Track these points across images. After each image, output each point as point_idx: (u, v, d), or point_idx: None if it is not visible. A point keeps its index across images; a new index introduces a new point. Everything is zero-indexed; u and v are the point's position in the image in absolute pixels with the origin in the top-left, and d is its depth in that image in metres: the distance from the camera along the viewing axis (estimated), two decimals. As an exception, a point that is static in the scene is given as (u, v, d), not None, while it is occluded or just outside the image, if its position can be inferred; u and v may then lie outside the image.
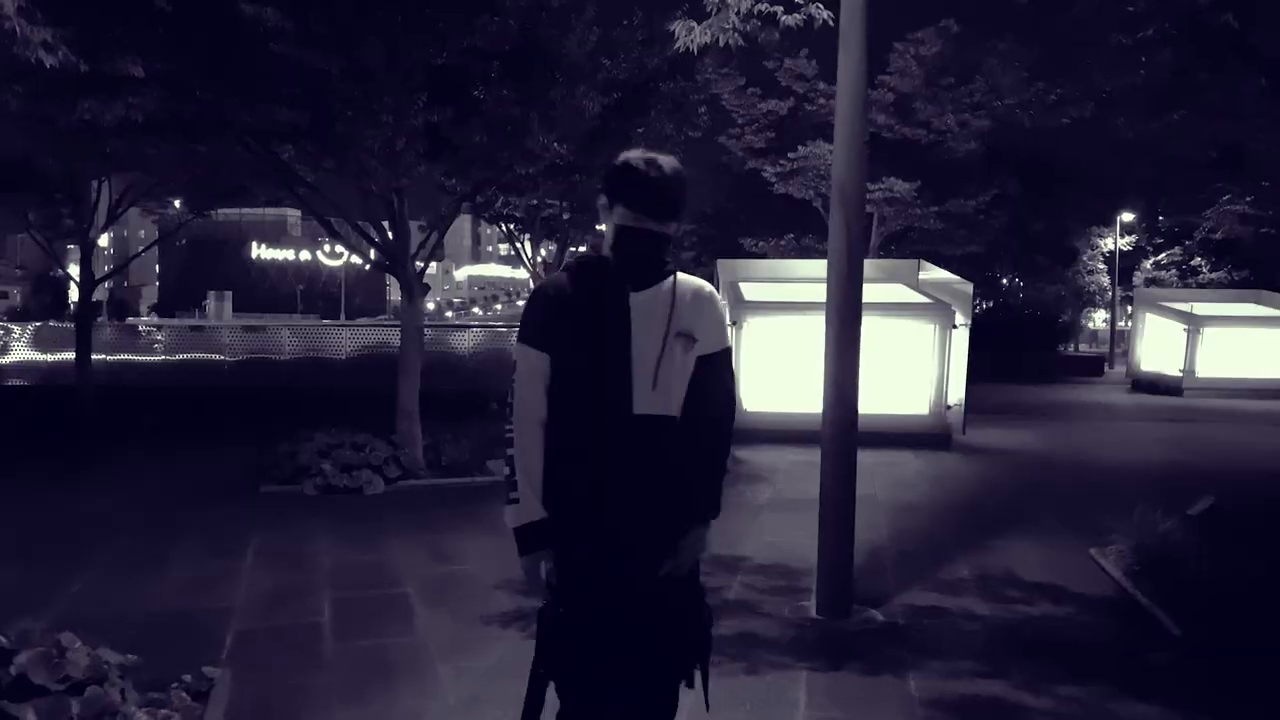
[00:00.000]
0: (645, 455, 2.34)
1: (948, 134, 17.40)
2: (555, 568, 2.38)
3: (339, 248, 66.18)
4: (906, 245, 20.21)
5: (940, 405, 11.60)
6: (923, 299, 12.08)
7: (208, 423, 12.89)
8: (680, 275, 2.45)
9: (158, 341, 22.84)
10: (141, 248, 17.23)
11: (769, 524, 7.11)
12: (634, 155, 2.39)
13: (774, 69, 17.18)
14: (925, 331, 11.71)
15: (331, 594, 5.28)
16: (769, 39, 4.93)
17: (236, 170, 10.51)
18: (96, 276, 13.40)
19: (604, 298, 2.35)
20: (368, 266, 13.39)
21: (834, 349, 4.99)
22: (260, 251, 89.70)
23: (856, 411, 5.09)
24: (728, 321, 2.63)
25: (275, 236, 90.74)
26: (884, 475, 9.27)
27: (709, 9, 4.76)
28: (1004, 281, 33.26)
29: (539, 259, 15.99)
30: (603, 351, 2.33)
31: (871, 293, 12.21)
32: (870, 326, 11.89)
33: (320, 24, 6.86)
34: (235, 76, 7.00)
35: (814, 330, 11.78)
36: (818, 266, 14.33)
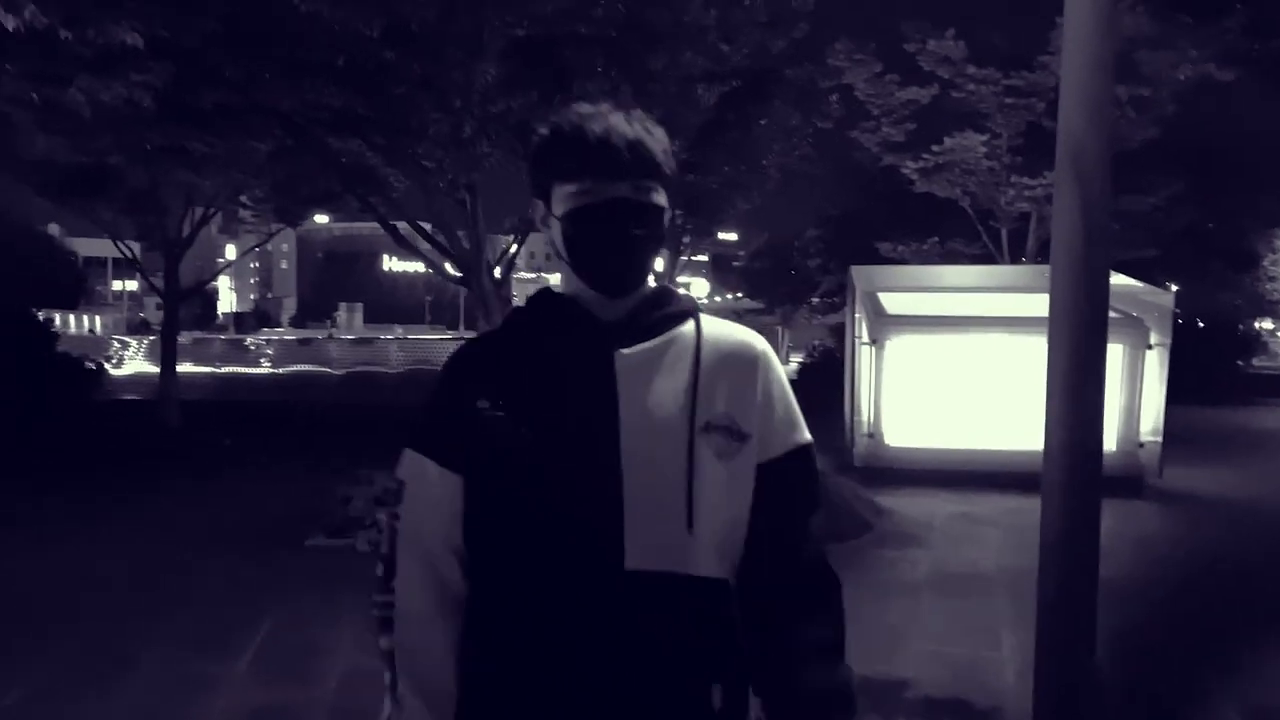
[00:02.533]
0: (652, 648, 1.32)
1: (1122, 119, 15.10)
2: None
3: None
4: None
5: (1131, 442, 9.54)
6: (1110, 314, 10.04)
7: (289, 445, 11.86)
8: (708, 320, 1.46)
9: (266, 354, 22.50)
10: (219, 260, 16.67)
11: (931, 616, 5.36)
12: (555, 115, 1.47)
13: (915, 52, 15.27)
14: (1112, 353, 9.67)
15: (325, 728, 3.85)
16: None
17: (308, 174, 9.44)
18: (234, 291, 12.69)
19: (565, 362, 1.38)
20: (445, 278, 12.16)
21: (1067, 377, 3.30)
22: (391, 264, 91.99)
23: (1098, 466, 3.38)
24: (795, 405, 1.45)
25: (408, 248, 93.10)
26: (1067, 535, 7.35)
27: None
28: (1174, 288, 30.23)
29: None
30: (565, 463, 1.33)
31: (1038, 305, 10.44)
32: (1043, 347, 10.12)
33: (350, -28, 5.52)
34: (259, 45, 5.72)
35: (972, 350, 10.06)
36: (969, 274, 12.49)
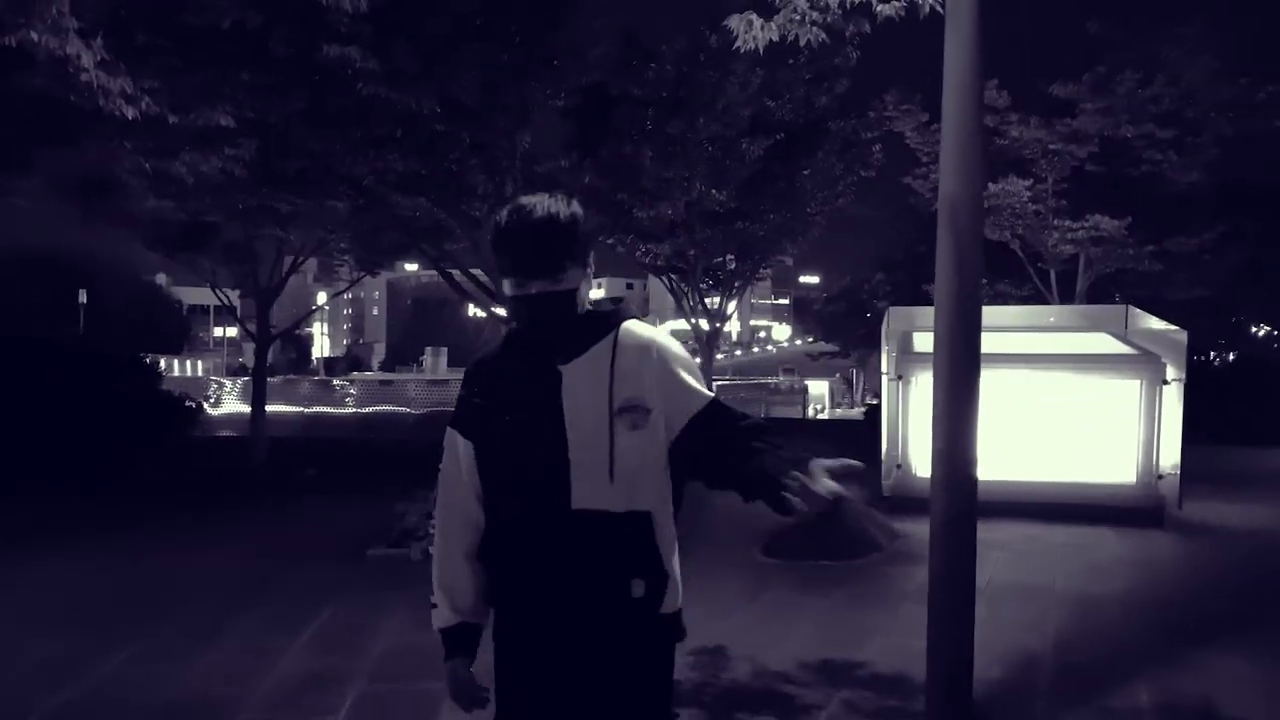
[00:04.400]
0: (592, 557, 2.00)
1: (1164, 164, 15.38)
2: (495, 680, 2.13)
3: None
4: (1123, 290, 18.07)
5: (1150, 474, 9.87)
6: (1126, 350, 10.42)
7: (363, 474, 12.89)
8: (625, 330, 2.06)
9: (350, 395, 23.86)
10: (312, 307, 17.86)
11: (908, 619, 5.93)
12: (502, 211, 2.05)
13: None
14: (1130, 388, 10.06)
15: (361, 686, 4.66)
16: (859, 31, 4.01)
17: (380, 228, 10.49)
18: (327, 337, 13.85)
19: (529, 374, 2.04)
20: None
21: (946, 407, 3.93)
22: (475, 310, 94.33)
23: (972, 474, 4.00)
24: (693, 375, 2.11)
25: (491, 294, 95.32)
26: (1072, 560, 7.81)
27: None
28: (1255, 330, 29.64)
29: (695, 307, 15.30)
30: (530, 438, 2.01)
31: (1067, 343, 10.82)
32: (1064, 382, 10.51)
33: (406, 60, 6.49)
34: (332, 122, 6.74)
35: (995, 385, 10.55)
36: (1002, 313, 12.95)
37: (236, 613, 5.95)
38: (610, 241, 12.47)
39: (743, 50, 3.98)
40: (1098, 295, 16.91)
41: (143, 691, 4.57)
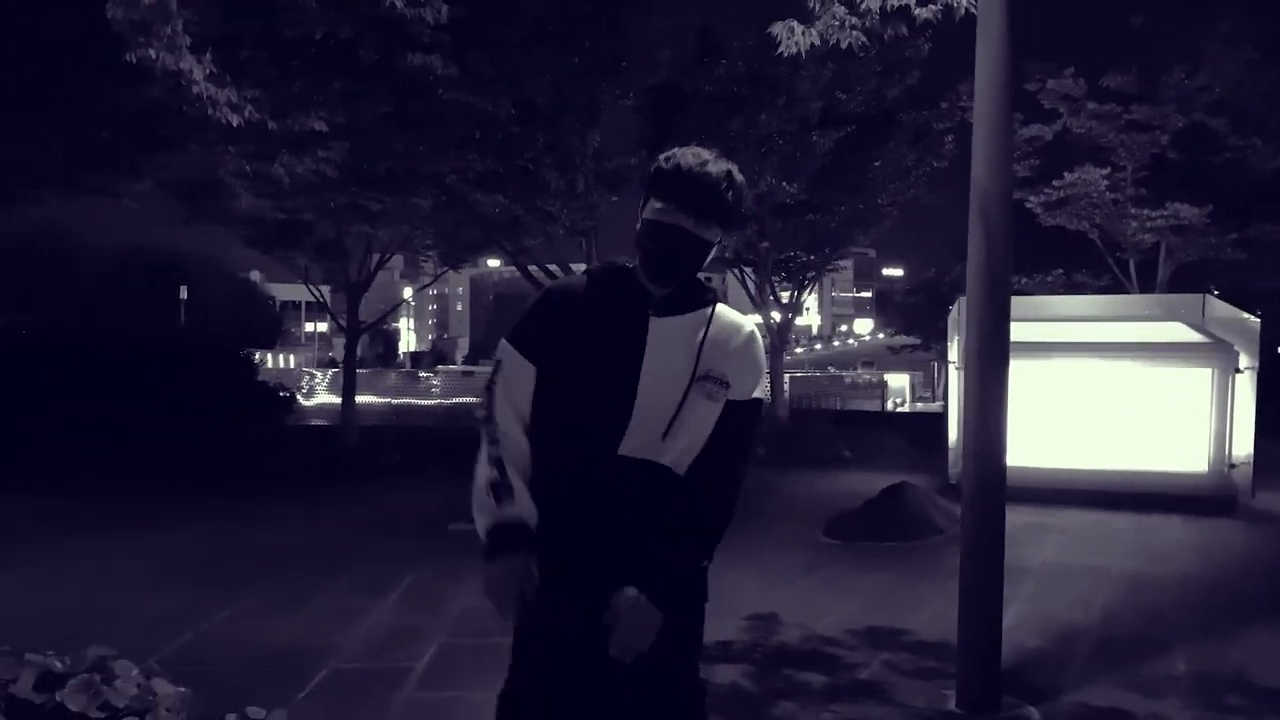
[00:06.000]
0: (629, 506, 1.99)
1: (1248, 150, 15.05)
2: (515, 630, 2.09)
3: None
4: (1208, 280, 17.70)
5: (1222, 463, 9.83)
6: (1198, 339, 10.35)
7: (446, 458, 13.46)
8: (722, 308, 2.10)
9: (435, 386, 24.68)
10: (402, 300, 18.46)
11: (955, 594, 6.17)
12: (680, 149, 2.06)
13: (1035, 91, 15.73)
14: (1201, 376, 10.02)
15: (442, 639, 5.12)
16: (897, 34, 4.28)
17: (461, 224, 11.01)
18: (413, 331, 14.54)
19: (618, 315, 2.01)
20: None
21: (975, 392, 4.18)
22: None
23: (1000, 456, 4.24)
24: (761, 373, 2.18)
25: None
26: (1133, 543, 7.90)
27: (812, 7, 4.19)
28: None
29: (767, 299, 15.51)
30: (601, 380, 1.98)
31: (1139, 332, 10.83)
32: (1134, 370, 10.51)
33: (483, 66, 6.95)
34: (415, 125, 7.24)
35: (1059, 374, 10.60)
36: (1071, 303, 12.91)
37: (327, 578, 6.48)
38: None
39: (785, 55, 4.29)
40: (1181, 285, 16.62)
41: (244, 641, 5.09)
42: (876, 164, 14.18)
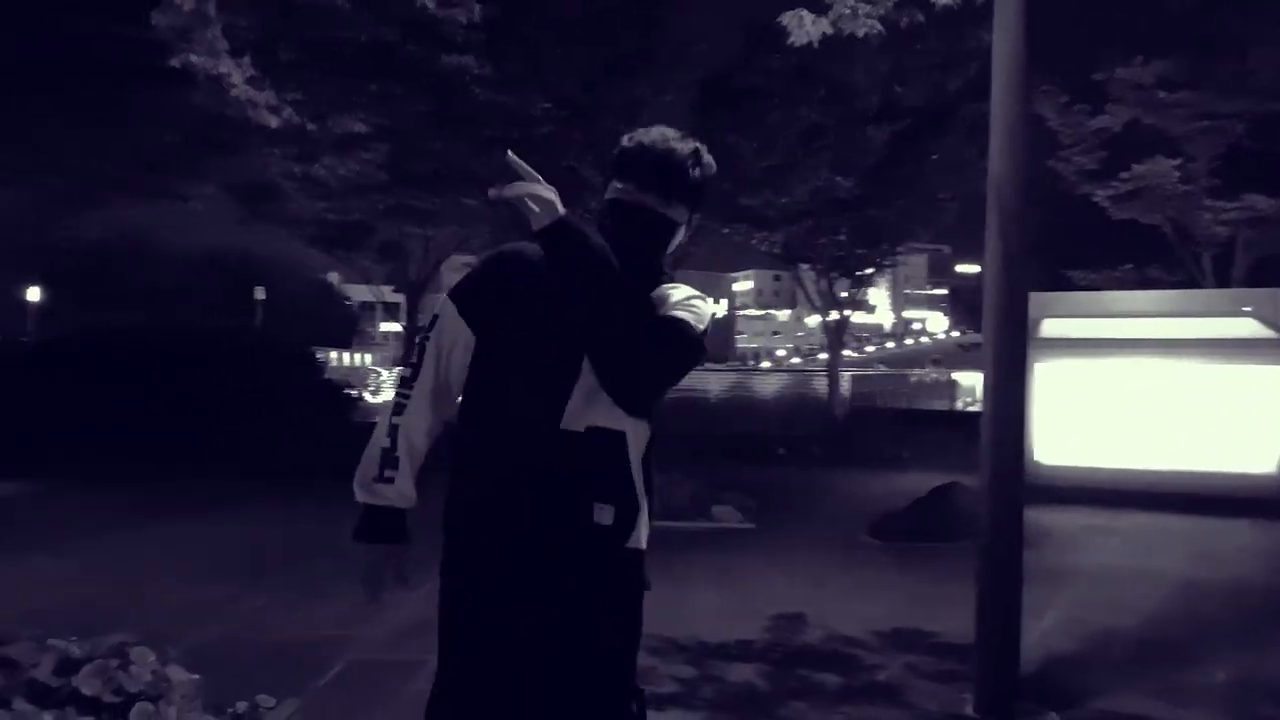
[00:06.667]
0: (570, 482, 1.87)
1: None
2: (441, 614, 1.99)
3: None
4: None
5: (1293, 463, 9.43)
6: (1269, 334, 9.94)
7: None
8: (673, 285, 1.96)
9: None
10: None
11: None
12: (644, 129, 2.02)
13: (1102, 80, 15.24)
14: (1272, 374, 9.63)
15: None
16: (913, 22, 4.18)
17: (513, 224, 11.12)
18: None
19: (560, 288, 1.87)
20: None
21: (995, 387, 4.07)
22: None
23: (1019, 454, 4.12)
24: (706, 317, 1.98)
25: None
26: (1190, 546, 7.63)
27: (827, -2, 4.10)
28: None
29: (824, 295, 15.33)
30: (542, 352, 1.87)
31: (1208, 328, 10.44)
32: (1200, 368, 10.15)
33: (517, 65, 7.00)
34: (453, 125, 7.33)
35: (1124, 372, 10.26)
36: (1140, 299, 12.46)
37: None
38: (726, 231, 12.74)
39: (796, 45, 4.22)
40: (1260, 280, 15.94)
41: (269, 631, 5.20)
42: (934, 157, 13.91)
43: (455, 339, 1.94)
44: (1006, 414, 4.02)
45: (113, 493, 9.66)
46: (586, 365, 1.85)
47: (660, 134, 1.97)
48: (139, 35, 6.45)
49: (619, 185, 1.94)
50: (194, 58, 5.78)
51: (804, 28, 4.13)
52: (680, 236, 2.03)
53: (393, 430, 1.93)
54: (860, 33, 4.24)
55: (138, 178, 10.68)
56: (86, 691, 3.55)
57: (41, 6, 7.94)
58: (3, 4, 8.19)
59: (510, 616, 1.91)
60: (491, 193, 1.87)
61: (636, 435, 1.94)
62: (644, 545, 1.97)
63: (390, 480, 1.94)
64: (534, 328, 1.89)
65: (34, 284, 28.10)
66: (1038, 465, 10.18)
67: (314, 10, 6.05)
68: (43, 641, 3.68)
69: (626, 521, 1.91)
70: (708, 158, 2.00)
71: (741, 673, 4.48)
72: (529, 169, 1.87)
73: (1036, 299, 12.40)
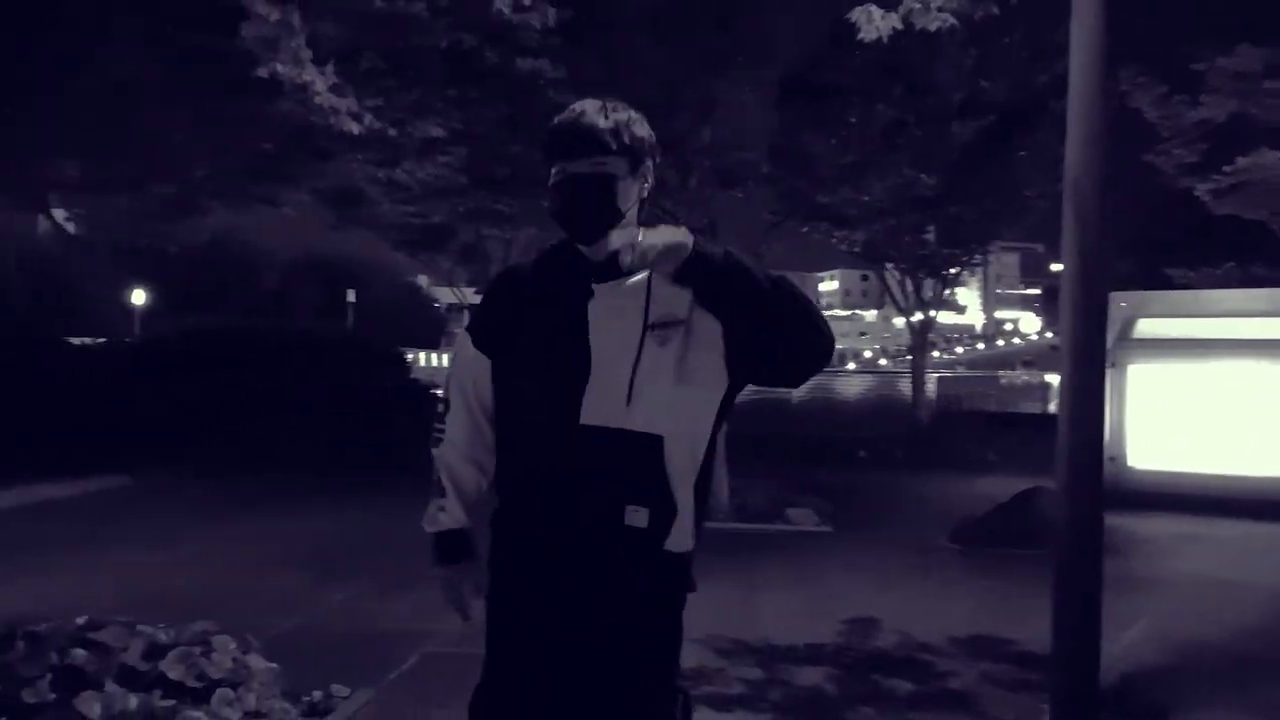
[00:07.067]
0: (599, 478, 1.86)
1: None
2: (489, 603, 2.01)
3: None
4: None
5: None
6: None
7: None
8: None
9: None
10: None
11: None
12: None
13: (1203, 70, 14.62)
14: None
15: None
16: (987, 14, 4.08)
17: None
18: None
19: (562, 291, 1.90)
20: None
21: (1072, 388, 3.94)
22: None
23: (1096, 458, 3.99)
24: None
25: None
26: (1288, 558, 7.27)
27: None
28: None
29: (909, 294, 15.06)
30: (553, 357, 1.88)
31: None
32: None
33: (592, 67, 7.05)
34: (529, 128, 7.42)
35: (1217, 375, 9.82)
36: (1239, 298, 11.91)
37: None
38: (805, 230, 12.60)
39: (866, 40, 4.15)
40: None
41: (349, 623, 5.35)
42: (1022, 154, 13.53)
43: (476, 370, 2.02)
44: (1084, 416, 3.90)
45: (210, 488, 10.05)
46: (596, 364, 1.86)
47: (567, 109, 1.94)
48: (233, 48, 6.69)
49: (552, 170, 1.89)
50: (280, 67, 5.98)
51: (873, 23, 4.06)
52: (634, 189, 1.92)
53: (435, 462, 2.08)
54: (933, 27, 4.16)
55: (236, 185, 11.07)
56: (172, 676, 3.71)
57: (155, 24, 8.35)
58: (123, 29, 8.64)
59: (545, 614, 1.93)
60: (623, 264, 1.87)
61: (688, 437, 1.91)
62: (689, 548, 1.95)
63: (442, 508, 2.07)
64: (540, 335, 1.91)
65: (139, 287, 29.42)
66: (1130, 470, 9.83)
67: (394, 17, 6.21)
68: (132, 627, 3.86)
69: (662, 524, 1.89)
70: (621, 107, 1.94)
71: (810, 676, 4.43)
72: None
73: (1131, 298, 12.10)
